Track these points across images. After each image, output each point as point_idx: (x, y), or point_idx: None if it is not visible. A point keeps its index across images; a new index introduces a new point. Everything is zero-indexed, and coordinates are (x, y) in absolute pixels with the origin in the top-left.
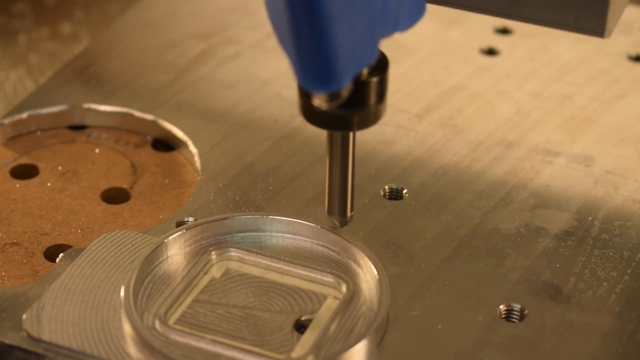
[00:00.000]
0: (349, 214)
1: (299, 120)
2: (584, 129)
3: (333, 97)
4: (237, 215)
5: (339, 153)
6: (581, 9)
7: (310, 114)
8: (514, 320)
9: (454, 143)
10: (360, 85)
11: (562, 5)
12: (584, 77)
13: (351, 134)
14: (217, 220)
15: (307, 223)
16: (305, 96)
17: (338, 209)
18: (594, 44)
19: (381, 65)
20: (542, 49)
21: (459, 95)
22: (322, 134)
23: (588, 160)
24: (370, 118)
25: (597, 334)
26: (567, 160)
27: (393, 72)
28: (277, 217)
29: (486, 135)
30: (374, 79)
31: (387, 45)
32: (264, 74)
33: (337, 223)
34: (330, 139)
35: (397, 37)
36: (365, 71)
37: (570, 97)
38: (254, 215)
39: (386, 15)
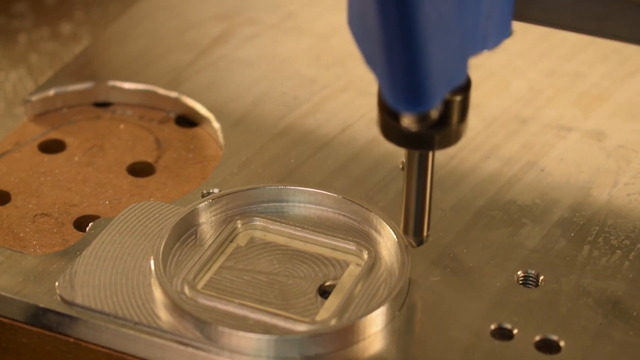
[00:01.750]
0: (424, 233)
1: (319, 97)
2: (596, 105)
3: (423, 117)
4: (261, 186)
5: (417, 172)
6: None
7: (389, 131)
8: (530, 285)
9: (470, 119)
10: (443, 105)
11: None
12: (595, 56)
13: (430, 153)
14: (242, 190)
15: (329, 193)
16: (384, 113)
17: (414, 229)
18: None
19: (464, 84)
20: (555, 29)
21: (474, 73)
22: (343, 109)
23: (600, 135)
24: (451, 137)
25: (611, 299)
26: (580, 135)
27: None
28: (299, 188)
29: (501, 111)
30: (457, 98)
31: None
32: (284, 53)
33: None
34: (409, 157)
35: None
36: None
37: (582, 75)
38: (277, 186)
39: (476, 34)
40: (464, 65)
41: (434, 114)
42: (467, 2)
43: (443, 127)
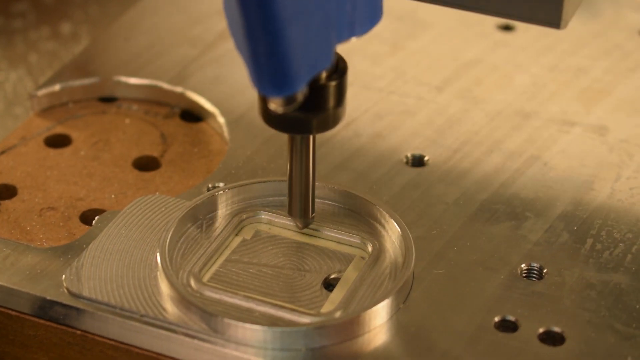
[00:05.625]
0: (310, 215)
1: None
2: (598, 100)
3: (289, 101)
4: (267, 180)
5: (299, 156)
6: (537, 2)
7: (270, 117)
8: (533, 278)
9: (473, 113)
10: (319, 89)
11: None
12: (598, 52)
13: (311, 137)
14: (247, 184)
15: (334, 187)
16: (264, 100)
17: (299, 211)
18: (607, 21)
19: (340, 70)
20: None
21: (477, 68)
22: (347, 103)
23: (603, 130)
24: (329, 121)
25: (614, 291)
26: (583, 129)
27: (413, 46)
28: None
29: (504, 105)
30: (332, 83)
31: (406, 20)
32: None
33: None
34: (291, 142)
35: (417, 13)
36: (324, 75)
37: (584, 70)
38: (282, 180)
39: (341, 20)
40: (328, 51)
41: (300, 97)
42: None
43: (320, 112)
